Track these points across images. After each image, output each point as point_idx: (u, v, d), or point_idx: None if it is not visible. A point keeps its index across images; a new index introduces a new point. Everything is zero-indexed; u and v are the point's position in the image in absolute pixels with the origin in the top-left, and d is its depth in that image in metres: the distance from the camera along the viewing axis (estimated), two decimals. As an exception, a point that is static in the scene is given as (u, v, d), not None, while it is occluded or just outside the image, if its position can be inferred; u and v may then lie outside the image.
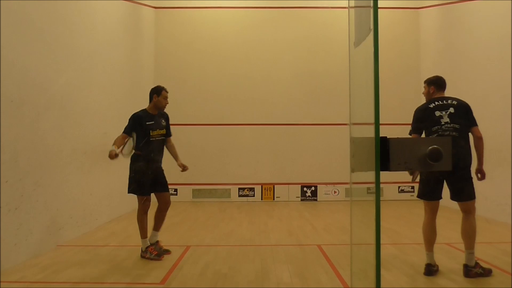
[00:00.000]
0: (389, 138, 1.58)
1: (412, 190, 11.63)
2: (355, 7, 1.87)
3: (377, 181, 1.32)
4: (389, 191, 11.46)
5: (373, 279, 1.35)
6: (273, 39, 11.89)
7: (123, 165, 8.79)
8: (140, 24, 10.82)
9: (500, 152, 8.32)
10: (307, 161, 11.64)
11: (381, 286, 4.43)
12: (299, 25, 11.92)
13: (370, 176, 1.54)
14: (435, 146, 1.62)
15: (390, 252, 5.98)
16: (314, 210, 10.12)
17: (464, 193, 4.87)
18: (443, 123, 4.81)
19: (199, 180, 11.27)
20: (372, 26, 1.46)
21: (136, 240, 6.86)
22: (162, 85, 6.06)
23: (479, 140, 4.82)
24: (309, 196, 11.55)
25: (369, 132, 1.50)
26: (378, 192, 1.31)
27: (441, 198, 4.98)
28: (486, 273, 4.78)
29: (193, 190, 11.41)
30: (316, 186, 11.64)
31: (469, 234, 4.82)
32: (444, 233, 6.54)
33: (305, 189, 11.63)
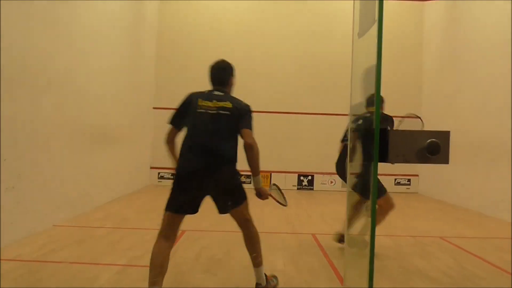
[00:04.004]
0: (389, 130, 1.59)
1: (409, 183, 11.69)
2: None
3: (375, 173, 1.33)
4: (385, 183, 11.48)
5: (366, 272, 1.37)
6: (276, 29, 11.87)
7: (121, 147, 8.79)
8: (144, 8, 10.77)
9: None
10: (305, 150, 11.66)
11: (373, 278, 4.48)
12: (303, 15, 11.90)
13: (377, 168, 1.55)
14: (433, 139, 1.63)
15: (384, 243, 6.02)
16: (310, 199, 10.16)
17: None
18: None
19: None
20: (376, 17, 1.46)
21: (132, 222, 6.90)
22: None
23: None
24: (305, 185, 11.60)
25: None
26: (375, 184, 1.33)
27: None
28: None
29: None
30: (313, 175, 11.68)
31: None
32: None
33: (301, 178, 11.67)
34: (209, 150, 3.60)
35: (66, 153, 6.73)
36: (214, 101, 3.67)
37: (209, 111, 3.64)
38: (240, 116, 3.67)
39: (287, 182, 11.53)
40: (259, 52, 11.77)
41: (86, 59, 7.45)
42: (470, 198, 9.36)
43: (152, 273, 3.40)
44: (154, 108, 11.54)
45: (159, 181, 11.52)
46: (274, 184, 4.12)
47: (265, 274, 4.05)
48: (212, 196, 3.74)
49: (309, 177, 11.66)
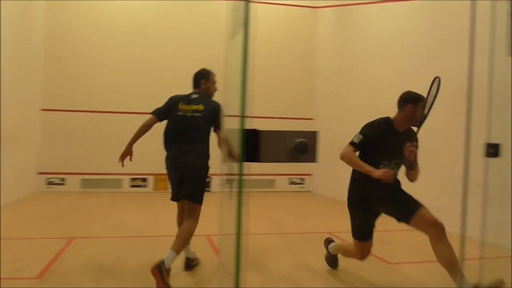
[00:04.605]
0: (259, 130, 1.63)
1: (302, 182, 12.12)
2: None
3: (241, 172, 1.37)
4: (280, 183, 11.85)
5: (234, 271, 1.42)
6: (172, 29, 11.71)
7: (4, 151, 8.19)
8: (31, 5, 10.12)
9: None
10: (202, 152, 11.66)
11: (264, 272, 4.59)
12: (201, 15, 11.86)
13: (244, 167, 1.58)
14: (302, 139, 1.69)
15: (276, 241, 6.19)
16: (207, 201, 10.11)
17: None
18: None
19: (88, 170, 10.82)
20: (243, 20, 1.50)
21: (15, 232, 6.44)
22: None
23: None
24: (202, 187, 11.58)
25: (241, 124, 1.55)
26: (241, 183, 1.37)
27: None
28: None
29: (82, 180, 10.93)
30: (210, 177, 11.68)
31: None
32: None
33: (198, 180, 11.62)
34: (183, 148, 4.51)
35: None
36: (191, 104, 4.50)
37: (186, 114, 4.49)
38: (212, 116, 4.51)
39: (184, 185, 11.43)
40: (157, 54, 11.50)
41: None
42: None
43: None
44: (42, 110, 10.87)
45: (47, 187, 10.86)
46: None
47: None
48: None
49: (207, 179, 11.65)
